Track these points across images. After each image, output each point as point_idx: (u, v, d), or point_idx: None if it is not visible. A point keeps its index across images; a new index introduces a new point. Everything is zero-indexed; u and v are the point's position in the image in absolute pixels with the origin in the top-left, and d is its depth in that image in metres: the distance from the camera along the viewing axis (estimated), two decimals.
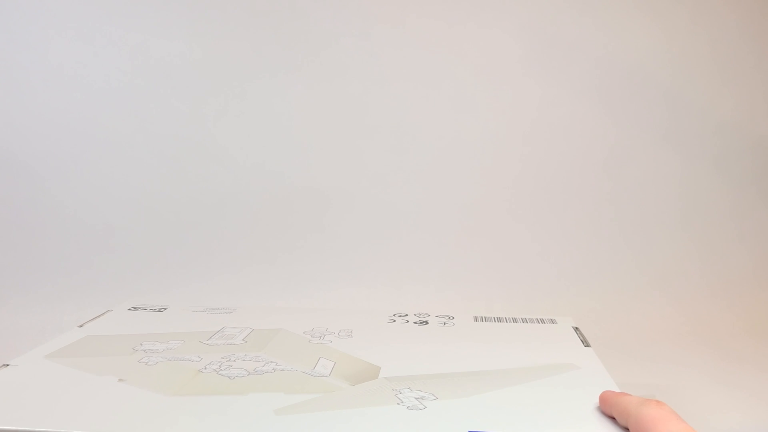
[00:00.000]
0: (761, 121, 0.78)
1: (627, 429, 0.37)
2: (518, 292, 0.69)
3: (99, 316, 0.61)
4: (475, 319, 0.62)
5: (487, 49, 0.78)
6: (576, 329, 0.60)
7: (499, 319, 0.62)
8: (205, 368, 0.47)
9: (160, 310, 0.63)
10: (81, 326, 0.58)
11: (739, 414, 0.37)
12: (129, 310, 0.63)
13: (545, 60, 0.77)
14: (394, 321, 0.61)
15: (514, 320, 0.62)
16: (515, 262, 0.78)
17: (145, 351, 0.51)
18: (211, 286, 0.78)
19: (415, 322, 0.61)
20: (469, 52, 0.78)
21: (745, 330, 0.71)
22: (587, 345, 0.55)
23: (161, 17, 0.78)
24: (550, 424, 0.38)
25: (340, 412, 0.40)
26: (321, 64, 0.77)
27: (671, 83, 0.77)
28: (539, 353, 0.52)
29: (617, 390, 0.44)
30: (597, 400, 0.43)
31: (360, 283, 0.78)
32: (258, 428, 0.37)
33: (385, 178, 0.79)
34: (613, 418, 0.39)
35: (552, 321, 0.62)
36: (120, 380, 0.45)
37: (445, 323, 0.60)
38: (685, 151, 0.77)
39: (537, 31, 0.77)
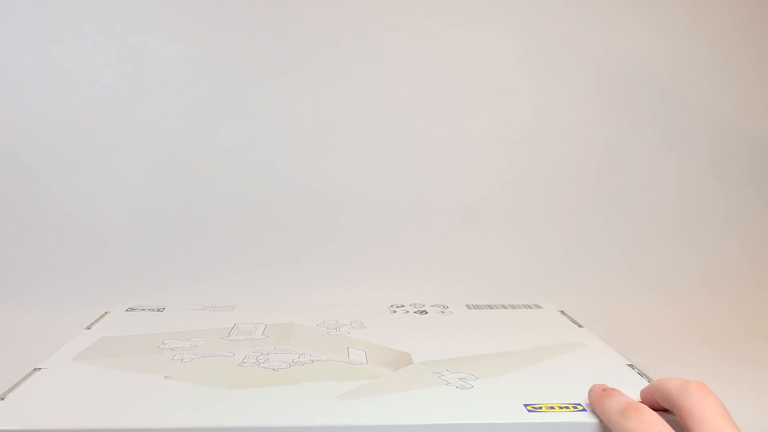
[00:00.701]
0: (760, 121, 0.82)
1: (665, 410, 0.37)
2: (515, 292, 0.72)
3: (100, 318, 0.61)
4: (468, 306, 0.66)
5: (486, 49, 0.80)
6: (563, 312, 0.65)
7: (490, 306, 0.66)
8: (244, 362, 0.48)
9: (158, 310, 0.63)
10: (89, 328, 0.57)
11: (739, 413, 0.41)
12: (127, 311, 0.63)
13: (545, 60, 0.80)
14: (395, 312, 0.64)
15: (504, 306, 0.66)
16: (513, 262, 0.81)
17: (171, 349, 0.52)
18: (209, 287, 0.78)
19: (415, 312, 0.64)
20: (469, 52, 0.80)
21: (745, 330, 0.74)
22: (580, 326, 0.60)
23: (162, 17, 0.76)
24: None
25: (400, 395, 0.42)
26: (322, 65, 0.78)
27: (670, 83, 0.80)
28: (543, 335, 0.57)
29: (625, 359, 0.49)
30: (616, 371, 0.47)
31: (357, 283, 0.80)
32: (332, 412, 0.39)
33: (387, 178, 0.81)
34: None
35: (537, 306, 0.67)
36: (166, 377, 0.45)
37: (442, 312, 0.64)
38: (684, 151, 0.81)
39: (537, 31, 0.79)
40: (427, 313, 0.64)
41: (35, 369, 0.47)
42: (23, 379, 0.45)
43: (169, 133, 0.79)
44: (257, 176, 0.80)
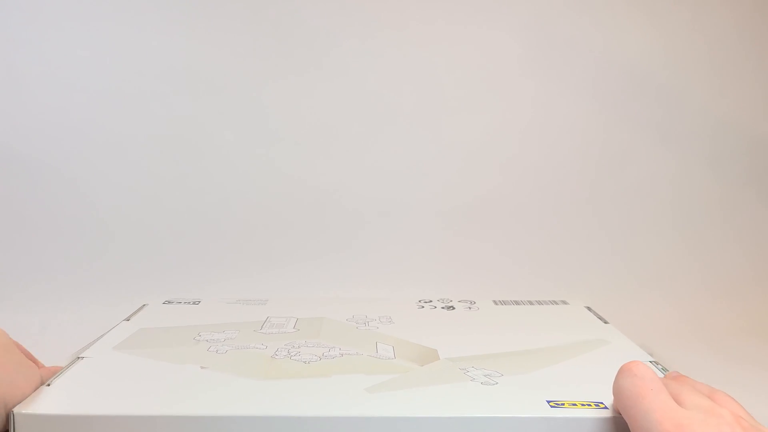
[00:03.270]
0: (760, 121, 0.81)
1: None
2: (515, 293, 0.73)
3: (138, 310, 0.63)
4: (495, 303, 0.67)
5: (486, 50, 0.81)
6: (589, 308, 0.66)
7: (517, 302, 0.67)
8: (276, 354, 0.50)
9: (194, 303, 0.65)
10: (128, 320, 0.60)
11: None
12: (164, 303, 0.65)
13: (544, 61, 0.81)
14: (423, 307, 0.65)
15: (530, 303, 0.67)
16: (511, 262, 0.82)
17: (207, 341, 0.53)
18: (215, 287, 0.80)
19: (442, 308, 0.65)
20: (469, 52, 0.81)
21: (745, 330, 0.74)
22: (606, 322, 0.61)
23: (162, 18, 0.78)
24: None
25: (426, 389, 0.44)
26: (322, 65, 0.80)
27: (669, 83, 0.80)
28: (569, 331, 0.58)
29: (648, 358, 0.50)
30: None
31: (379, 280, 0.81)
32: (360, 403, 0.41)
33: (392, 177, 0.82)
34: None
35: (564, 302, 0.68)
36: (202, 367, 0.47)
37: (470, 308, 0.65)
38: (683, 151, 0.81)
39: (536, 32, 0.80)
40: (454, 308, 0.65)
41: (78, 358, 0.49)
42: (68, 367, 0.47)
43: (172, 132, 0.81)
44: (260, 175, 0.82)
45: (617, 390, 0.38)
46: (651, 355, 0.52)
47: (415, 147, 0.82)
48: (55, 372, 0.45)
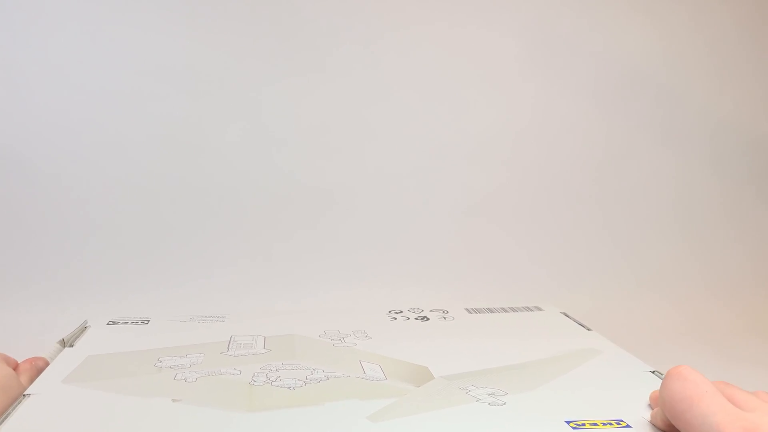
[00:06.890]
0: (760, 121, 0.83)
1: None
2: (516, 293, 0.71)
3: (80, 333, 0.56)
4: (468, 311, 0.64)
5: (487, 50, 0.80)
6: (565, 314, 0.63)
7: (491, 310, 0.64)
8: (254, 380, 0.45)
9: (143, 323, 0.59)
10: (72, 346, 0.53)
11: None
12: (109, 324, 0.59)
13: (544, 61, 0.80)
14: (395, 318, 0.61)
15: (504, 310, 0.65)
16: (512, 262, 0.81)
17: (171, 367, 0.48)
18: (207, 285, 0.77)
19: (415, 318, 0.62)
20: (469, 53, 0.80)
21: (745, 330, 0.75)
22: (589, 329, 0.59)
23: (162, 18, 0.75)
24: (629, 407, 0.41)
25: (434, 414, 0.40)
26: (323, 65, 0.78)
27: (669, 83, 0.80)
28: (555, 341, 0.55)
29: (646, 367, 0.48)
30: (642, 379, 0.46)
31: (352, 284, 0.78)
32: None
33: (383, 178, 0.80)
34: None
35: (538, 308, 0.65)
36: (174, 400, 0.42)
37: (444, 317, 0.62)
38: (684, 150, 0.81)
39: (536, 32, 0.79)
40: (428, 319, 0.61)
41: (24, 395, 0.42)
42: (14, 408, 0.40)
43: (170, 133, 0.78)
44: (254, 175, 0.78)
45: (668, 395, 0.35)
46: None
47: (415, 148, 0.81)
48: (37, 367, 0.44)
